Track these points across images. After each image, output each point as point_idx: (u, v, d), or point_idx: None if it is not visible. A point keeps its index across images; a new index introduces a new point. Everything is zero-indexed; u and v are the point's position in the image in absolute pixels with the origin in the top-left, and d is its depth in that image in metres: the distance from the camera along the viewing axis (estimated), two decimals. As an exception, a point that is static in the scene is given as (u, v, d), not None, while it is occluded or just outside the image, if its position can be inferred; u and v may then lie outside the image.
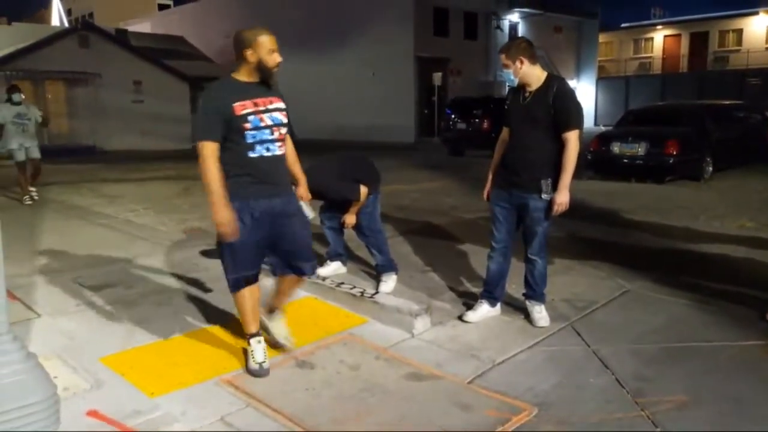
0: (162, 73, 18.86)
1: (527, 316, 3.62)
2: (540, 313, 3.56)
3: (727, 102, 13.69)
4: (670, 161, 9.63)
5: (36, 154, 7.75)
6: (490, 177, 3.64)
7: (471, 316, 3.62)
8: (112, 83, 17.26)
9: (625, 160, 10.07)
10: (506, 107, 3.57)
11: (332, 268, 4.34)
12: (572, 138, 3.29)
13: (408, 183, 9.74)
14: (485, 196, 3.67)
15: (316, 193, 3.97)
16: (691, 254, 5.20)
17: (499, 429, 2.47)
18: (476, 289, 4.06)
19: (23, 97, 7.82)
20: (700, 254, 5.18)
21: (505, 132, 3.57)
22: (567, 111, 3.30)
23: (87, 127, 16.82)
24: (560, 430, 2.49)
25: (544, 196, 3.36)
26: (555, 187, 3.34)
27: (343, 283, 3.99)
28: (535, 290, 3.57)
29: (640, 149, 9.88)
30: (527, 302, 3.62)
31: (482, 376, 2.96)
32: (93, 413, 2.37)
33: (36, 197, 7.70)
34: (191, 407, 2.62)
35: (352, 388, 2.83)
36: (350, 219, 4.02)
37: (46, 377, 2.26)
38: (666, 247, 5.45)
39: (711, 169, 10.08)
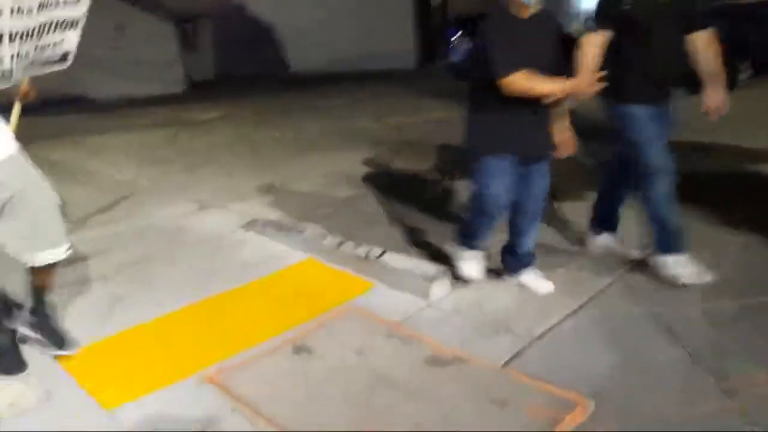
0: (145, 14, 17.64)
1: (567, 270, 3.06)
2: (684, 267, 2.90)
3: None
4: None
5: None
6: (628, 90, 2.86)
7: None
8: (93, 27, 16.13)
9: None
10: (624, 7, 2.78)
11: None
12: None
13: (413, 114, 8.98)
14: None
15: None
16: (745, 177, 4.53)
17: (550, 434, 1.95)
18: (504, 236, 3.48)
19: None
20: (757, 177, 4.51)
21: (601, 38, 2.80)
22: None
23: (72, 75, 15.88)
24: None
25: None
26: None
27: (344, 242, 3.41)
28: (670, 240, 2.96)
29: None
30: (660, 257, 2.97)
31: (519, 356, 2.41)
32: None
33: None
34: (161, 420, 2.11)
35: (359, 380, 2.30)
36: None
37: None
38: (713, 171, 4.76)
39: (747, 75, 9.17)
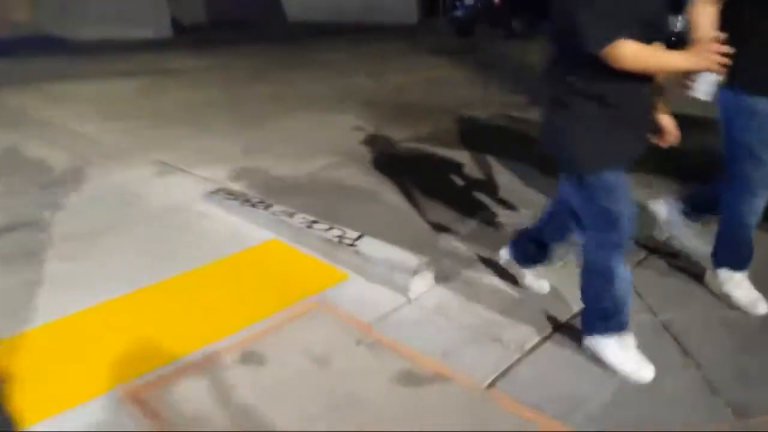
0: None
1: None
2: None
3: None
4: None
5: None
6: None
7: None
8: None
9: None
10: None
11: None
12: None
13: (412, 72, 8.44)
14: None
15: None
16: None
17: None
18: (503, 219, 3.08)
19: None
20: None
21: (712, 14, 2.06)
22: None
23: (48, 15, 14.99)
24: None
25: None
26: None
27: (316, 221, 2.98)
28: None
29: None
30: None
31: (507, 374, 2.03)
32: None
33: None
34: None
35: (318, 401, 1.92)
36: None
37: None
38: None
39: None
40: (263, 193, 3.54)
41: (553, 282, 2.53)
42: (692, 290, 2.51)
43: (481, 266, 2.73)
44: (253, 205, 3.22)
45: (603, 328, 2.03)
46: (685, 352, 2.11)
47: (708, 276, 2.50)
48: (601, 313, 2.03)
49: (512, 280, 2.59)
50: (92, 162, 4.31)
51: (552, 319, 2.32)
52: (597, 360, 2.06)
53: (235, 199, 3.35)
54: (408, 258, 2.59)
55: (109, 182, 3.90)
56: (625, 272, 1.98)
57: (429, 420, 1.84)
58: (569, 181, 1.97)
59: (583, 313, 2.11)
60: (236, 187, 3.65)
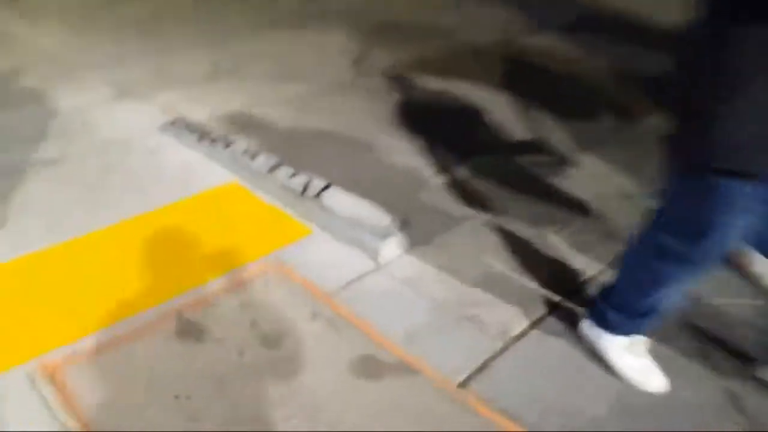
0: None
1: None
2: None
3: None
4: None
5: None
6: None
7: None
8: None
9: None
10: None
11: None
12: None
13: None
14: None
15: None
16: None
17: None
18: (497, 166, 2.71)
19: None
20: None
21: None
22: None
23: None
24: None
25: None
26: None
27: (279, 165, 2.59)
28: None
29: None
30: None
31: (484, 370, 1.73)
32: None
33: None
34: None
35: (257, 389, 1.63)
36: None
37: None
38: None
39: None
40: (227, 126, 3.12)
41: (560, 245, 2.19)
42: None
43: (467, 225, 2.38)
44: (213, 141, 2.82)
45: (618, 325, 1.66)
46: (705, 356, 1.79)
47: (738, 253, 2.14)
48: (625, 308, 1.62)
49: (503, 244, 2.25)
50: (44, 80, 3.83)
51: (546, 299, 1.99)
52: (596, 356, 1.75)
53: (194, 132, 2.93)
54: (380, 216, 2.23)
55: (57, 106, 3.44)
56: (684, 290, 1.55)
57: (386, 421, 1.55)
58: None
59: (603, 295, 1.70)
60: (198, 116, 3.22)
